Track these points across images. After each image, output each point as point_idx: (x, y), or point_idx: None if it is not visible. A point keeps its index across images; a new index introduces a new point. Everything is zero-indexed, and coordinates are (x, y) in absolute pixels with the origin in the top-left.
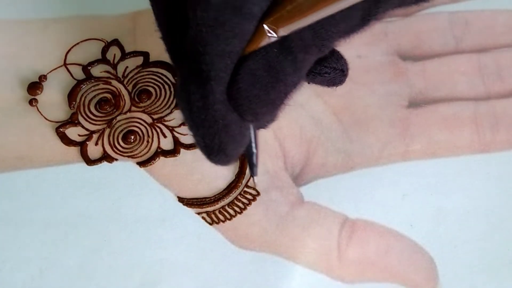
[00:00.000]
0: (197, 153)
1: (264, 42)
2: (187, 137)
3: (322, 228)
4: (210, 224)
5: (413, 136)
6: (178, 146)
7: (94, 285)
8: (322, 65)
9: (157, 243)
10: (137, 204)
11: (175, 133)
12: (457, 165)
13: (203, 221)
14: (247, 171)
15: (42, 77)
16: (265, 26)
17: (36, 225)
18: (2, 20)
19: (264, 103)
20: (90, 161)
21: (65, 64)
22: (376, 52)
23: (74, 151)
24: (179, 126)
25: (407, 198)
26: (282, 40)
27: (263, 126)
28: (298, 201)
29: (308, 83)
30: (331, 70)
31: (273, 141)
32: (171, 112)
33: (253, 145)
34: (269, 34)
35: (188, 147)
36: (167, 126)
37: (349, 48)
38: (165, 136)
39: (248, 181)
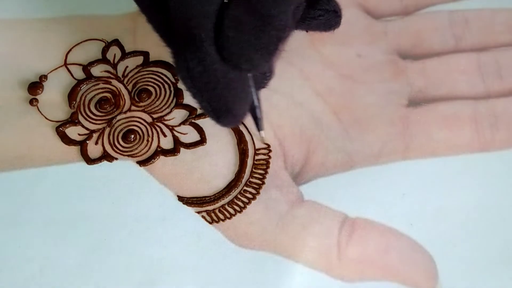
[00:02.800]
0: (197, 152)
1: None
2: (187, 136)
3: (322, 227)
4: (210, 223)
5: (412, 135)
6: (178, 145)
7: (94, 283)
8: (315, 9)
9: (157, 242)
10: (137, 203)
11: (175, 132)
12: (457, 164)
13: (202, 220)
14: (247, 170)
15: (43, 77)
16: None
17: (36, 224)
18: (2, 20)
19: (257, 48)
20: (90, 160)
21: (65, 64)
22: (376, 51)
23: (74, 150)
24: (179, 125)
25: (407, 197)
26: None
27: (263, 83)
28: (298, 200)
29: (306, 31)
30: (324, 12)
31: (273, 140)
32: (171, 111)
33: (256, 99)
34: None
35: (188, 146)
36: (167, 125)
37: (349, 47)
38: (165, 135)
39: (248, 179)
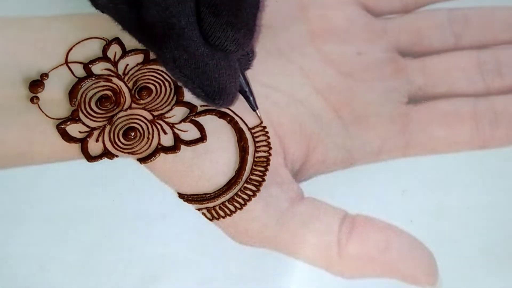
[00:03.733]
0: (197, 149)
1: None
2: (187, 134)
3: (322, 224)
4: (210, 220)
5: (412, 132)
6: (178, 142)
7: (95, 280)
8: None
9: (157, 239)
10: (138, 200)
11: (175, 130)
12: (457, 161)
13: (203, 217)
14: (247, 167)
15: (44, 75)
16: None
17: (37, 221)
18: (3, 17)
19: (238, 27)
20: (90, 158)
21: (66, 62)
22: (376, 49)
23: (75, 147)
24: (179, 122)
25: (407, 194)
26: None
27: (247, 64)
28: (298, 197)
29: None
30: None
31: (273, 138)
32: (171, 109)
33: (243, 81)
34: None
35: (188, 143)
36: (167, 123)
37: (349, 45)
38: (165, 133)
39: (248, 176)
